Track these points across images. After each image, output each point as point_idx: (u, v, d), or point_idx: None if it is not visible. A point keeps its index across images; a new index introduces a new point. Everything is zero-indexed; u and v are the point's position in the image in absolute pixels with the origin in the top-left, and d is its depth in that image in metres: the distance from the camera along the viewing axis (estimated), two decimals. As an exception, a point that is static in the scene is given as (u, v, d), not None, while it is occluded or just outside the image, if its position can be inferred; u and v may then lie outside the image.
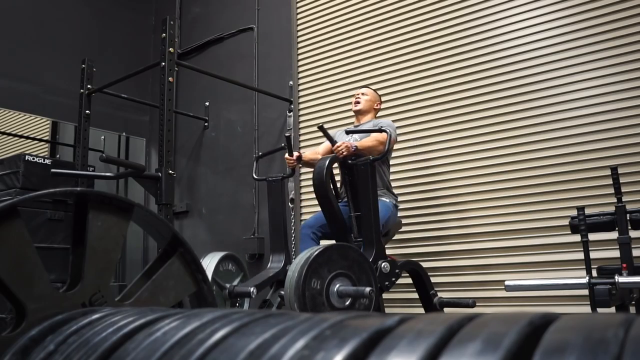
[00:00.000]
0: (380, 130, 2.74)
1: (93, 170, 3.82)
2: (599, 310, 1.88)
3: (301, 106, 4.24)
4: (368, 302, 2.20)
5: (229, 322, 0.62)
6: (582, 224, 2.02)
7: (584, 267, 1.98)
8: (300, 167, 4.06)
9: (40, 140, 4.55)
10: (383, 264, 2.56)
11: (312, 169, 2.80)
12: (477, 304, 2.79)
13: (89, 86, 3.91)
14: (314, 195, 2.73)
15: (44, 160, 3.24)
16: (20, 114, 4.43)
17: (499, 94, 3.31)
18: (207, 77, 4.32)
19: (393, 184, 3.12)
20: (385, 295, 2.79)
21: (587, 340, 0.37)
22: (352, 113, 3.28)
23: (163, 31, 3.28)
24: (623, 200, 1.99)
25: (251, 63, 4.57)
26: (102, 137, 4.88)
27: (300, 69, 4.29)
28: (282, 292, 2.64)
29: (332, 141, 2.74)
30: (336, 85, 4.06)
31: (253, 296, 2.70)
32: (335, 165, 2.90)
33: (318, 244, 2.86)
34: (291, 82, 4.29)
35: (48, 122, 4.58)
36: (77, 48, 4.68)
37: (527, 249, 3.05)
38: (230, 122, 4.70)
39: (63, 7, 4.77)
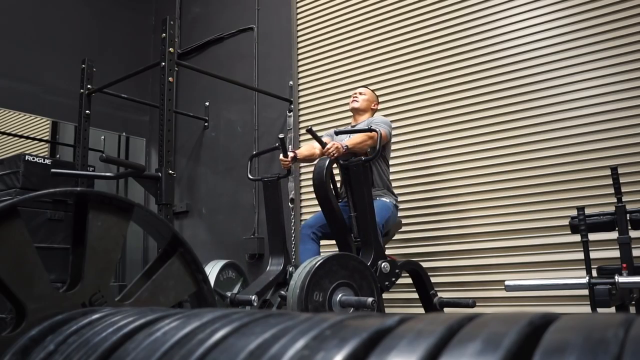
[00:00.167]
0: (369, 130, 2.71)
1: (93, 170, 3.82)
2: (599, 310, 1.88)
3: (301, 106, 4.24)
4: (371, 311, 2.20)
5: (229, 322, 0.62)
6: (582, 224, 2.01)
7: (584, 267, 1.98)
8: (299, 167, 4.07)
9: (40, 140, 4.55)
10: (383, 264, 2.56)
11: (312, 167, 2.79)
12: (477, 304, 2.79)
13: (89, 86, 3.91)
14: (314, 195, 2.72)
15: (44, 160, 3.24)
16: (20, 114, 4.43)
17: (499, 94, 3.31)
18: (207, 77, 4.32)
19: (393, 184, 3.11)
20: (385, 295, 2.78)
21: (587, 340, 0.37)
22: (352, 113, 3.27)
23: (163, 31, 3.28)
24: (623, 200, 1.99)
25: (251, 63, 4.57)
26: (102, 137, 4.88)
27: (300, 69, 4.29)
28: (282, 292, 2.64)
29: (322, 143, 2.71)
30: (336, 85, 4.05)
31: (255, 304, 2.70)
32: (335, 165, 2.90)
33: (318, 244, 2.85)
34: (291, 82, 4.29)
35: (48, 122, 4.58)
36: (77, 48, 4.68)
37: (527, 249, 3.05)
38: (230, 122, 4.70)
39: (63, 7, 4.77)
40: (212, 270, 2.93)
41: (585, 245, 2.00)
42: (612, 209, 2.02)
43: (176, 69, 3.44)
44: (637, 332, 0.37)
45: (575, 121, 3.03)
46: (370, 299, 2.10)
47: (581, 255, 2.02)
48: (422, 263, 2.94)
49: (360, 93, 3.17)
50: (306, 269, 2.07)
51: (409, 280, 2.92)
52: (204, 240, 4.61)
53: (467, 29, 3.49)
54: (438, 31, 3.62)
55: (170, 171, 3.12)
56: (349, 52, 4.03)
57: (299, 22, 4.36)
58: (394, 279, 2.62)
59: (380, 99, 3.73)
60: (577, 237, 2.07)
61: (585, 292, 1.93)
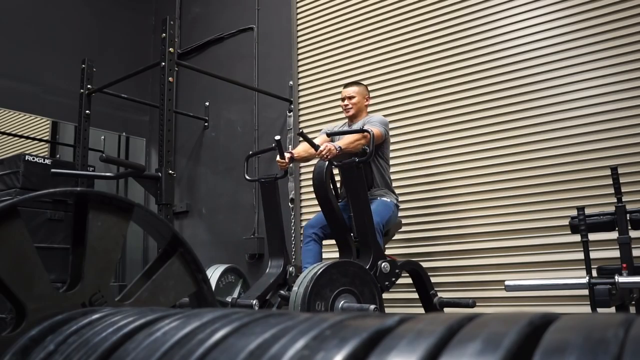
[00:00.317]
0: (362, 131, 2.66)
1: (93, 170, 3.82)
2: (599, 310, 1.88)
3: (301, 106, 4.24)
4: None
5: (229, 322, 0.62)
6: (582, 224, 2.02)
7: (584, 267, 1.98)
8: (299, 167, 4.06)
9: (40, 140, 4.55)
10: (383, 264, 2.55)
11: (312, 167, 2.78)
12: (477, 304, 2.79)
13: (89, 86, 3.91)
14: (314, 195, 2.72)
15: (44, 160, 3.24)
16: (20, 114, 4.43)
17: (499, 94, 3.31)
18: (207, 77, 4.32)
19: (393, 184, 3.11)
20: (385, 295, 2.78)
21: (587, 340, 0.37)
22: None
23: (163, 31, 3.28)
24: (623, 200, 1.99)
25: (251, 63, 4.57)
26: (102, 137, 4.88)
27: (300, 69, 4.29)
28: (282, 292, 2.64)
29: (315, 146, 2.67)
30: (336, 85, 4.05)
31: (256, 309, 2.70)
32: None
33: (320, 244, 2.85)
34: (291, 82, 4.29)
35: (48, 122, 4.58)
36: (77, 48, 4.68)
37: (527, 249, 3.05)
38: (230, 122, 4.70)
39: (63, 7, 4.77)
40: (212, 277, 2.92)
41: (585, 245, 2.00)
42: (612, 209, 2.02)
43: (176, 69, 3.44)
44: (637, 332, 0.37)
45: (575, 121, 3.03)
46: (372, 307, 2.10)
47: (581, 255, 2.02)
48: (422, 263, 2.94)
49: (348, 99, 3.06)
50: (306, 280, 2.07)
51: (409, 280, 2.92)
52: (204, 240, 4.61)
53: (467, 29, 3.49)
54: (438, 31, 3.62)
55: (170, 171, 3.12)
56: (349, 52, 4.03)
57: (299, 22, 4.36)
58: (394, 279, 2.62)
59: (380, 99, 3.74)
60: (577, 237, 2.07)
61: (585, 292, 1.93)
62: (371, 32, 3.94)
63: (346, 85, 3.16)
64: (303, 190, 4.09)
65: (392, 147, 3.24)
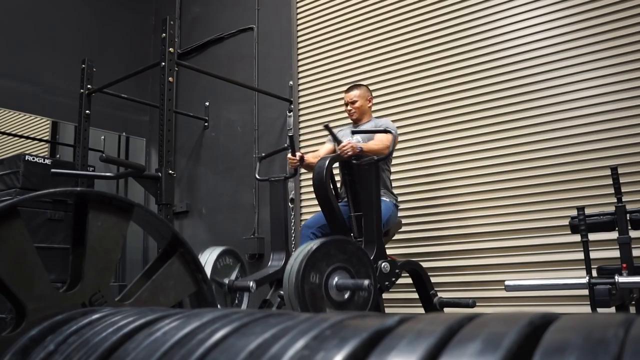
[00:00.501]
0: (385, 131, 2.76)
1: (93, 170, 3.82)
2: (599, 310, 1.88)
3: (301, 106, 4.24)
4: (367, 296, 2.19)
5: (229, 322, 0.62)
6: (582, 224, 2.01)
7: (584, 267, 1.98)
8: (301, 168, 4.07)
9: (40, 140, 4.55)
10: (383, 264, 2.56)
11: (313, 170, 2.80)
12: (477, 304, 2.79)
13: (89, 86, 3.91)
14: (314, 195, 2.73)
15: (44, 160, 3.24)
16: (20, 114, 4.43)
17: (499, 94, 3.31)
18: (207, 77, 4.32)
19: (393, 184, 3.11)
20: (385, 295, 2.79)
21: (587, 340, 0.37)
22: (352, 113, 3.27)
23: (163, 31, 3.28)
24: (623, 200, 1.99)
25: (251, 63, 4.57)
26: (102, 137, 4.88)
27: (300, 69, 4.29)
28: (282, 292, 2.64)
29: (338, 140, 2.75)
30: (336, 85, 4.05)
31: (252, 290, 2.70)
32: (335, 165, 2.90)
33: (318, 244, 2.86)
34: (291, 82, 4.29)
35: (48, 122, 4.58)
36: (77, 48, 4.68)
37: (527, 249, 3.05)
38: (230, 122, 4.70)
39: (63, 7, 4.77)
40: (210, 257, 2.91)
41: (585, 245, 2.00)
42: (612, 209, 2.02)
43: (176, 69, 3.44)
44: (637, 332, 0.37)
45: (575, 121, 3.03)
46: (366, 281, 2.09)
47: (581, 255, 2.02)
48: (422, 263, 2.94)
49: (351, 103, 3.09)
50: (304, 252, 2.07)
51: (409, 280, 2.92)
52: (204, 240, 4.60)
53: (467, 29, 3.49)
54: (438, 31, 3.62)
55: (170, 171, 3.12)
56: (349, 52, 4.03)
57: (299, 22, 4.36)
58: (394, 279, 2.62)
59: (381, 99, 3.74)
60: (577, 237, 2.07)
61: (585, 292, 1.93)
62: (371, 32, 3.94)
63: (348, 90, 3.17)
64: (303, 190, 4.09)
65: (392, 147, 3.24)
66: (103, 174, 3.77)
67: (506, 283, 2.02)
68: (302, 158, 2.97)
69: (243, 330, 0.59)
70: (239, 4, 4.81)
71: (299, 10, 4.38)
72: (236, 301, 2.92)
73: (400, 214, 3.14)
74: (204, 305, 1.28)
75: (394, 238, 3.19)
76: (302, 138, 4.16)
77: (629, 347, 0.36)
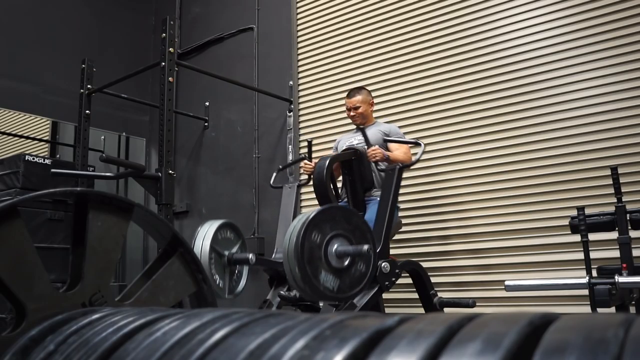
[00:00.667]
0: (416, 143, 2.86)
1: (93, 170, 3.82)
2: (599, 310, 1.88)
3: (301, 106, 4.24)
4: (365, 268, 2.17)
5: (229, 322, 0.62)
6: (582, 224, 2.01)
7: (584, 267, 1.98)
8: (299, 167, 4.06)
9: (40, 140, 4.55)
10: (383, 264, 2.56)
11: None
12: (477, 304, 2.79)
13: (89, 86, 3.91)
14: (314, 195, 2.73)
15: (44, 160, 3.24)
16: (20, 114, 4.43)
17: (499, 94, 3.31)
18: (207, 77, 4.32)
19: (393, 184, 3.12)
20: (385, 295, 2.79)
21: (587, 340, 0.37)
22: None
23: (163, 31, 3.28)
24: (623, 200, 1.99)
25: (251, 63, 4.57)
26: (102, 137, 4.88)
27: (300, 69, 4.29)
28: (282, 292, 2.64)
29: (369, 144, 2.88)
30: (336, 85, 4.05)
31: (252, 262, 2.69)
32: (336, 165, 2.91)
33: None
34: (291, 82, 4.29)
35: (48, 122, 4.58)
36: (77, 48, 4.68)
37: (527, 249, 3.05)
38: (230, 122, 4.70)
39: (63, 7, 4.77)
40: (210, 228, 2.88)
41: (585, 245, 2.00)
42: (612, 209, 2.02)
43: (176, 69, 3.44)
44: (637, 332, 0.37)
45: (575, 121, 3.03)
46: (366, 247, 2.08)
47: (581, 255, 2.02)
48: (422, 263, 2.94)
49: (354, 109, 3.11)
50: (310, 212, 2.07)
51: (409, 280, 2.92)
52: (204, 240, 4.60)
53: (467, 29, 3.49)
54: (438, 31, 3.62)
55: (170, 171, 3.12)
56: (349, 52, 4.03)
57: (299, 22, 4.36)
58: (394, 279, 2.62)
59: (381, 99, 3.74)
60: (577, 237, 2.07)
61: (585, 292, 1.93)
62: (371, 32, 3.94)
63: (349, 95, 3.17)
64: (303, 190, 4.09)
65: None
66: (103, 174, 3.77)
67: (506, 283, 2.02)
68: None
69: (243, 330, 0.59)
70: (239, 4, 4.81)
71: (299, 10, 4.38)
72: (236, 273, 2.87)
73: (400, 214, 3.14)
74: (204, 305, 1.28)
75: (394, 238, 3.19)
76: (302, 138, 4.16)
77: (629, 347, 0.36)
